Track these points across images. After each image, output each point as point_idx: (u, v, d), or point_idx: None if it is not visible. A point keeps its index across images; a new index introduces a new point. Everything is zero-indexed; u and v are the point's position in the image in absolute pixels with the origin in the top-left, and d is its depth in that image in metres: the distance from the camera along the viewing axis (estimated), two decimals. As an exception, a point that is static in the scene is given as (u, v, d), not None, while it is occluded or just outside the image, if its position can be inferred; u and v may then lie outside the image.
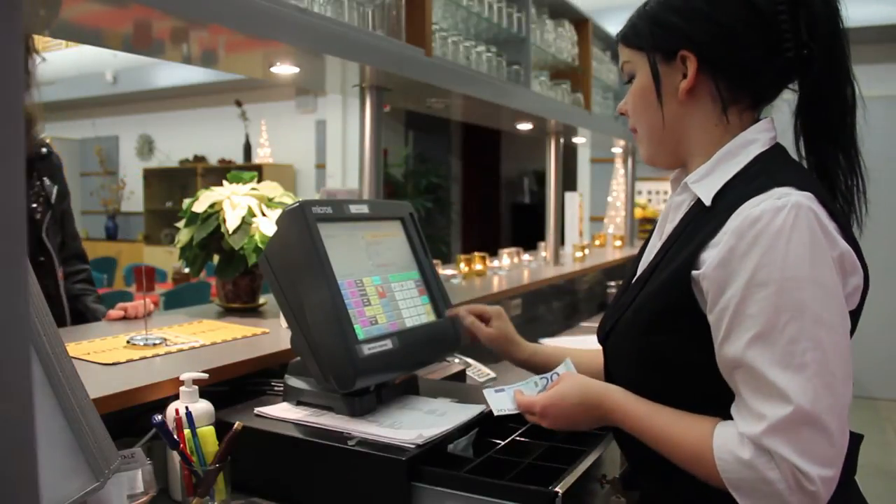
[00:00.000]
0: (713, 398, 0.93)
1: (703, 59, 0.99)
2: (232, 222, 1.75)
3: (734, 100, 1.00)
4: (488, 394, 1.14)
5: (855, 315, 0.93)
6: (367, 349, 1.17)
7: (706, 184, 0.99)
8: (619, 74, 1.13)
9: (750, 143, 0.99)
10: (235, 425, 1.08)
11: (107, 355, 1.35)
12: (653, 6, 1.03)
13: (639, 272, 1.09)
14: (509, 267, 3.13)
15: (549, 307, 3.04)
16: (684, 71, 1.00)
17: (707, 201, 0.97)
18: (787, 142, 1.03)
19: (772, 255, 0.85)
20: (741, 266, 0.87)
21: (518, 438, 1.20)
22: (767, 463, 0.84)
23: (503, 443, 1.18)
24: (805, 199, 0.88)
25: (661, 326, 0.97)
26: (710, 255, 0.91)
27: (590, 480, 1.13)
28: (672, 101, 1.02)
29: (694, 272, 0.92)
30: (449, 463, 1.10)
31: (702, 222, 0.96)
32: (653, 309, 0.98)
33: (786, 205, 0.86)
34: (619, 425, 1.02)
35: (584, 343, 2.52)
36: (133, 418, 1.17)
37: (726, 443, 0.88)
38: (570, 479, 1.04)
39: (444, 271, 2.71)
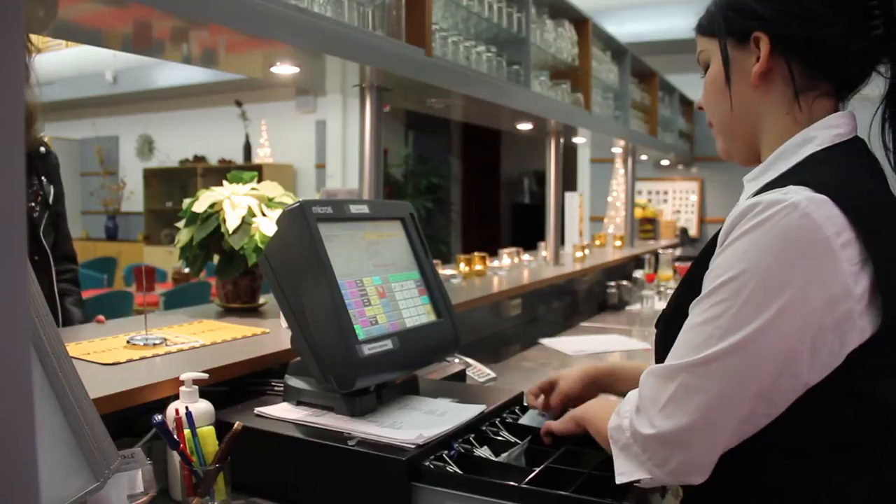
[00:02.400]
0: None
1: (777, 39, 0.93)
2: (232, 222, 1.75)
3: (810, 86, 0.95)
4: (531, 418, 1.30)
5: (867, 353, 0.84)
6: (368, 349, 1.17)
7: (756, 184, 0.97)
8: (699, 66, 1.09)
9: (807, 142, 0.94)
10: (235, 425, 1.08)
11: (107, 355, 1.35)
12: None
13: None
14: (509, 267, 3.13)
15: (549, 307, 3.04)
16: (758, 54, 0.95)
17: (745, 199, 0.95)
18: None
19: (743, 243, 0.85)
20: (721, 248, 0.88)
21: (572, 447, 1.19)
22: (628, 407, 0.92)
23: (558, 452, 1.16)
24: (811, 201, 0.83)
25: (678, 319, 0.97)
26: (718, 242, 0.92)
27: (652, 491, 1.13)
28: (744, 87, 0.98)
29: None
30: (503, 473, 1.09)
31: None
32: (676, 302, 1.00)
33: (783, 201, 0.84)
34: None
35: (583, 343, 2.52)
36: (133, 418, 1.17)
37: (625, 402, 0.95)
38: (637, 492, 1.04)
39: (444, 271, 2.71)
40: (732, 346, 0.83)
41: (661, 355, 1.01)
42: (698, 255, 1.00)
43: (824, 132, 0.94)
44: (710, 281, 0.88)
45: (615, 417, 0.95)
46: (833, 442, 0.87)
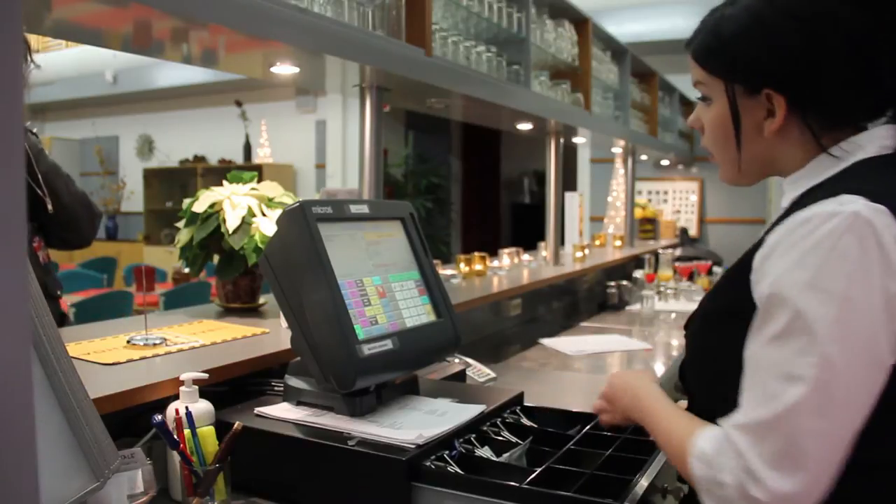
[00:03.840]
0: None
1: (794, 100, 0.91)
2: (232, 222, 1.75)
3: (830, 129, 0.93)
4: None
5: None
6: (368, 349, 1.17)
7: (795, 189, 0.94)
8: (694, 88, 1.04)
9: (857, 149, 0.91)
10: (235, 425, 1.08)
11: (107, 355, 1.35)
12: (732, 30, 0.94)
13: None
14: (509, 267, 3.13)
15: (549, 307, 3.04)
16: (769, 107, 0.93)
17: (785, 204, 0.93)
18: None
19: (809, 260, 0.80)
20: (777, 264, 0.83)
21: (573, 447, 1.19)
22: (726, 462, 0.81)
23: (560, 452, 1.17)
24: (871, 210, 0.80)
25: (714, 323, 0.97)
26: (758, 258, 0.88)
27: (653, 492, 1.14)
28: (756, 136, 0.96)
29: (751, 276, 0.89)
30: (504, 473, 1.09)
31: (775, 225, 0.92)
32: (712, 306, 0.99)
33: (842, 211, 0.80)
34: (638, 418, 1.05)
35: (583, 343, 2.52)
36: (133, 418, 1.17)
37: (706, 440, 0.86)
38: (637, 492, 1.05)
39: (444, 271, 2.71)
40: (822, 382, 0.78)
41: (698, 366, 1.01)
42: (736, 265, 0.94)
43: (872, 143, 0.92)
44: (775, 306, 0.82)
45: (701, 466, 0.86)
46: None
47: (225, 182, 1.89)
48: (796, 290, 0.80)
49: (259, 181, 1.92)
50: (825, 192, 0.85)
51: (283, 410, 1.25)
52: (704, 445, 0.86)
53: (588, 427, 1.28)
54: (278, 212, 1.43)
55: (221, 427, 1.11)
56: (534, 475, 1.05)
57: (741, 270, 0.91)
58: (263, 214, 1.80)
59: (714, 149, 1.03)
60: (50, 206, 1.74)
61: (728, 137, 0.98)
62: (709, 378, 0.99)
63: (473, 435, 1.20)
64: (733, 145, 0.98)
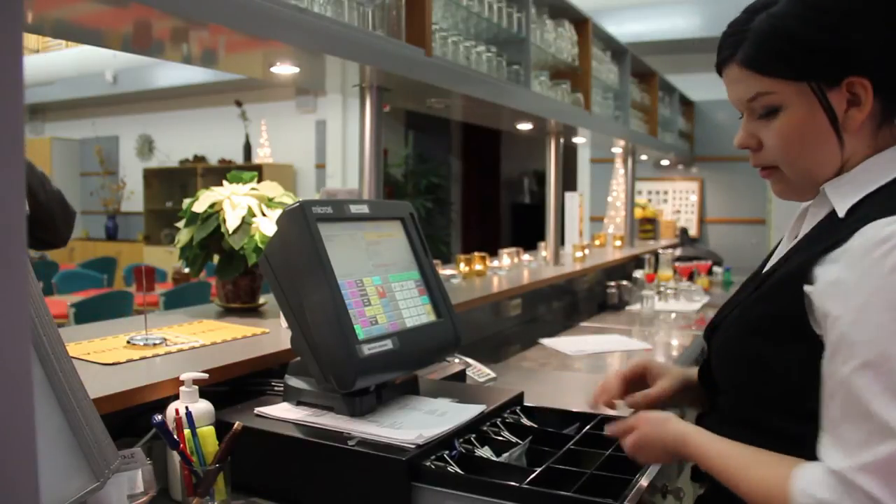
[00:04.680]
0: (810, 414, 0.86)
1: (878, 84, 0.89)
2: (232, 222, 1.75)
3: (891, 117, 0.92)
4: None
5: None
6: (368, 349, 1.17)
7: (844, 193, 0.91)
8: (743, 106, 0.97)
9: None
10: (235, 425, 1.08)
11: (107, 355, 1.35)
12: (798, 26, 0.90)
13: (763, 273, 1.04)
14: (509, 267, 3.13)
15: (549, 307, 3.04)
16: (849, 97, 0.90)
17: (841, 213, 0.90)
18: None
19: (893, 280, 0.78)
20: (858, 286, 0.80)
21: (573, 447, 1.19)
22: None
23: (560, 452, 1.17)
24: None
25: (763, 331, 0.93)
26: (827, 272, 0.84)
27: (653, 492, 1.14)
28: (834, 133, 0.92)
29: (807, 287, 0.86)
30: (504, 473, 1.09)
31: (826, 233, 0.90)
32: (759, 312, 0.94)
33: None
34: (695, 462, 0.98)
35: (583, 343, 2.52)
36: (133, 418, 1.17)
37: (809, 485, 0.80)
38: (637, 492, 1.05)
39: (444, 271, 2.71)
40: None
41: (732, 371, 0.99)
42: (786, 274, 0.91)
43: None
44: (865, 326, 0.79)
45: None
46: None
47: (225, 182, 1.90)
48: (888, 314, 0.77)
49: (259, 181, 1.92)
50: (887, 206, 0.83)
51: (283, 410, 1.25)
52: (820, 493, 0.79)
53: (588, 427, 1.28)
54: (278, 212, 1.43)
55: (221, 427, 1.11)
56: (534, 475, 1.05)
57: (794, 279, 0.88)
58: (263, 214, 1.80)
59: (788, 159, 0.96)
60: (26, 205, 1.72)
61: (806, 143, 0.93)
62: (749, 384, 0.96)
63: (473, 435, 1.20)
64: (815, 150, 0.93)
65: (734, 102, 0.99)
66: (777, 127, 0.94)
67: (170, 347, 1.43)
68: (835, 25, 0.88)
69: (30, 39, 6.88)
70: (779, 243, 1.09)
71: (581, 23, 3.22)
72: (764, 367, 0.93)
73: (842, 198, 0.91)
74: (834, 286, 0.83)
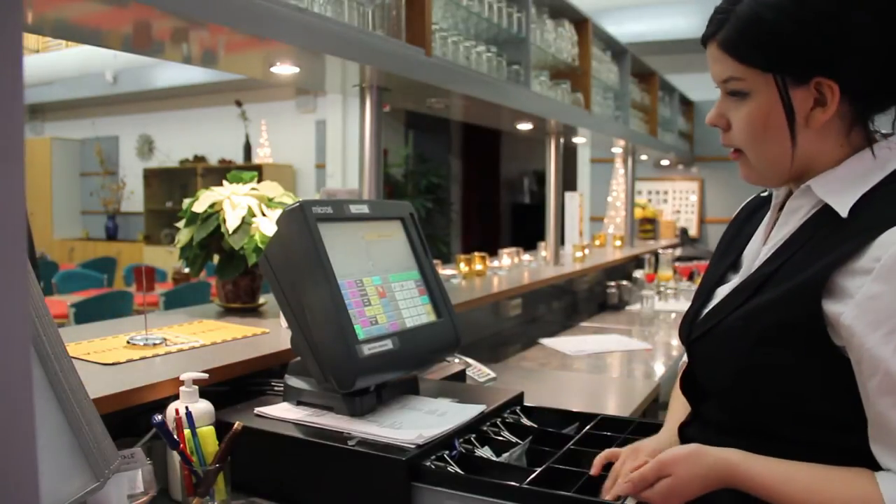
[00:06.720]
0: (825, 419, 0.87)
1: (846, 88, 0.88)
2: (232, 222, 1.75)
3: (865, 117, 0.92)
4: None
5: None
6: (368, 349, 1.17)
7: (837, 191, 0.90)
8: (718, 86, 0.97)
9: (891, 158, 0.90)
10: (235, 425, 1.08)
11: (107, 355, 1.35)
12: (776, 16, 0.89)
13: (741, 276, 1.00)
14: (509, 267, 3.13)
15: (549, 307, 3.04)
16: (816, 97, 0.89)
17: (843, 213, 0.88)
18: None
19: None
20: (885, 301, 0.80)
21: (573, 447, 1.19)
22: None
23: (560, 452, 1.16)
24: None
25: (773, 340, 0.89)
26: (853, 285, 0.83)
27: None
28: (801, 130, 0.92)
29: (829, 302, 0.85)
30: (504, 473, 1.09)
31: (835, 236, 0.88)
32: (768, 321, 0.90)
33: None
34: (748, 492, 0.89)
35: (583, 343, 2.52)
36: (133, 418, 1.17)
37: None
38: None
39: (444, 271, 2.71)
40: None
41: (722, 388, 0.96)
42: (800, 282, 0.89)
43: None
44: None
45: None
46: None
47: (225, 182, 1.90)
48: None
49: (259, 181, 1.92)
50: (882, 194, 0.84)
51: (283, 410, 1.25)
52: None
53: (588, 427, 1.28)
54: (278, 212, 1.43)
55: (221, 427, 1.11)
56: (534, 475, 1.05)
57: (809, 288, 0.86)
58: (263, 214, 1.80)
59: (750, 146, 0.96)
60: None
61: (768, 133, 0.93)
62: (755, 392, 0.93)
63: (473, 435, 1.20)
64: (774, 141, 0.93)
65: (713, 78, 0.99)
66: (743, 112, 0.94)
67: (170, 347, 1.43)
68: (813, 24, 0.87)
69: (30, 39, 6.89)
70: (730, 236, 1.08)
71: (581, 23, 3.22)
72: (773, 376, 0.90)
73: (837, 196, 0.90)
74: (873, 301, 0.81)
